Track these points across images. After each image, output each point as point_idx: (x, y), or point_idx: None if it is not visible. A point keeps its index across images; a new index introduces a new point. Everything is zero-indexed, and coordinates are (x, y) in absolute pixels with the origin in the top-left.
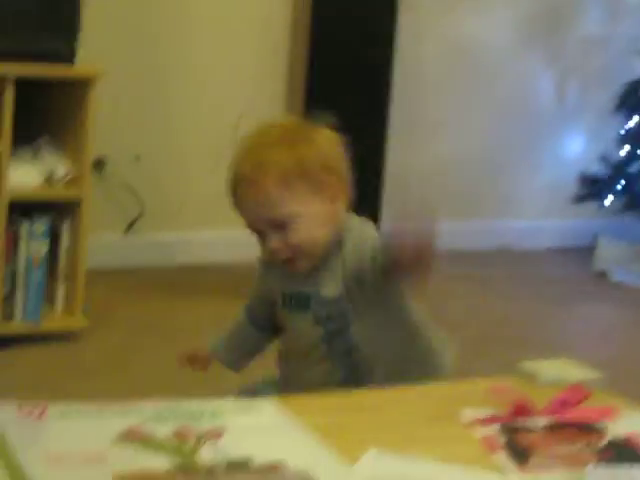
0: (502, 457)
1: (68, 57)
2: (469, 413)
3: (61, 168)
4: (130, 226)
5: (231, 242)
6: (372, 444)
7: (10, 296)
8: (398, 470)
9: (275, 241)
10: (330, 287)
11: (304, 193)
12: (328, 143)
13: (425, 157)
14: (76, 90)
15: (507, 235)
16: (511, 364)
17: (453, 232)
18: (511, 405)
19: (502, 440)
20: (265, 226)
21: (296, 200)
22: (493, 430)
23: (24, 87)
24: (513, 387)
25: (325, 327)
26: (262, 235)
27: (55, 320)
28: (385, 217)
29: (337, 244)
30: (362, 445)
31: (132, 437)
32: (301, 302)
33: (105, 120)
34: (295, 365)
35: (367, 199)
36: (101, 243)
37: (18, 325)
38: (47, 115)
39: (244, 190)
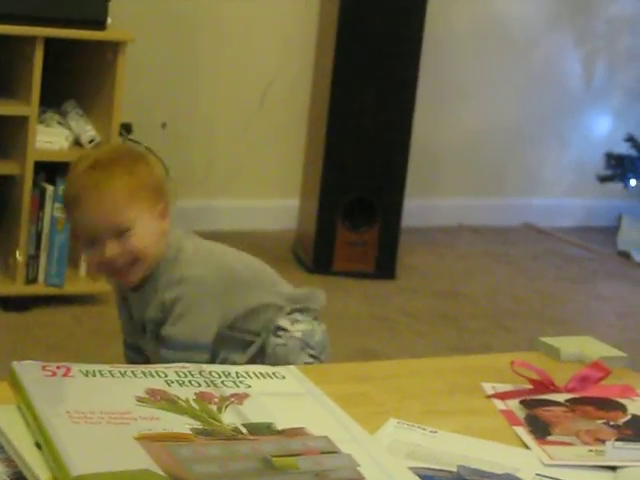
0: (522, 431)
1: (99, 23)
2: (490, 386)
3: (88, 132)
4: None
5: (256, 210)
6: (392, 414)
7: (34, 258)
8: (417, 440)
9: (113, 247)
10: (151, 309)
11: (143, 206)
12: (157, 168)
13: (452, 131)
14: (105, 55)
15: (531, 212)
16: (532, 340)
17: (478, 208)
18: (532, 380)
19: (523, 414)
20: (104, 233)
21: (137, 210)
22: (514, 404)
23: (53, 51)
24: (535, 362)
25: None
26: (98, 244)
27: (78, 283)
28: (410, 191)
29: (158, 271)
30: (382, 415)
31: (155, 399)
32: (145, 325)
33: (132, 86)
34: None
35: (392, 172)
36: None
37: (41, 287)
38: (75, 79)
39: (91, 197)
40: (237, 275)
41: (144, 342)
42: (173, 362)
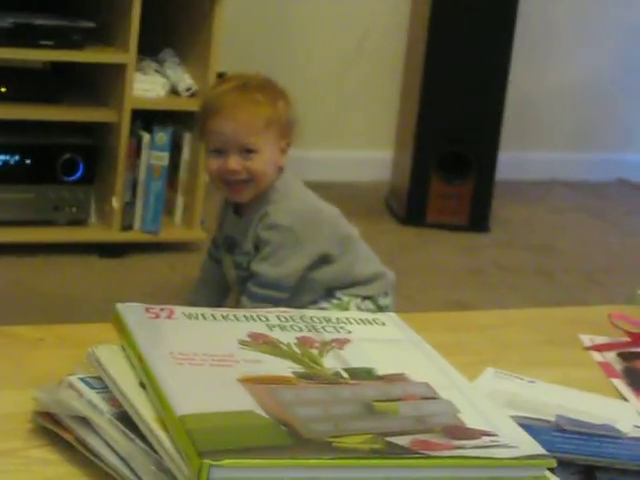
0: (620, 383)
1: None
2: (587, 338)
3: (185, 81)
4: None
5: (349, 161)
6: (490, 364)
7: (131, 205)
8: (516, 389)
9: (237, 161)
10: (247, 241)
11: (273, 137)
12: (293, 108)
13: (547, 84)
14: (202, 4)
15: (626, 168)
16: (625, 296)
17: (571, 162)
18: (630, 332)
19: (620, 366)
20: (234, 146)
21: (267, 138)
22: (611, 356)
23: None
24: (633, 315)
25: (237, 272)
26: (224, 155)
27: (173, 231)
28: (504, 143)
29: (264, 199)
30: (480, 364)
31: (257, 342)
32: (230, 245)
33: (229, 35)
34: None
35: (487, 124)
36: None
37: (137, 234)
38: (172, 28)
39: (234, 112)
40: (323, 225)
41: (226, 260)
42: (258, 298)
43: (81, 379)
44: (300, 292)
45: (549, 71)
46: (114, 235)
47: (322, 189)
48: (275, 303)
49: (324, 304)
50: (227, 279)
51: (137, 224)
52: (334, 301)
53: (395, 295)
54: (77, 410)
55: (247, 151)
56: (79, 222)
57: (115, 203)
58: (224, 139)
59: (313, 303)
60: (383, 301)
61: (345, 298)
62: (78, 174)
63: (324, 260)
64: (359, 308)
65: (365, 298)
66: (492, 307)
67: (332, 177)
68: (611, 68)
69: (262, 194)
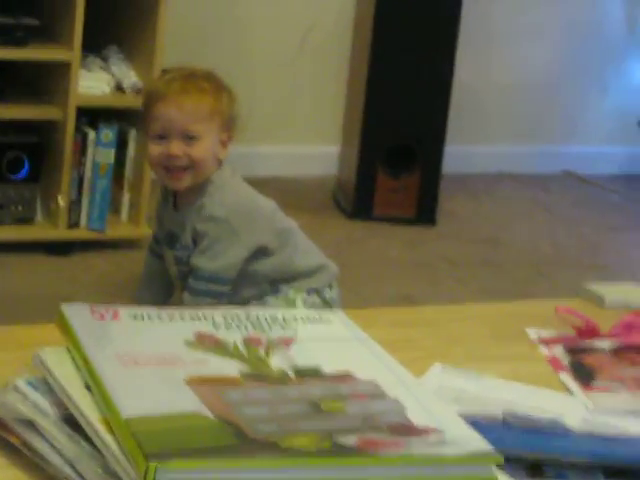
0: (567, 377)
1: None
2: (535, 332)
3: (130, 77)
4: None
5: (296, 156)
6: (437, 359)
7: (76, 203)
8: (463, 385)
9: (178, 146)
10: (186, 235)
11: (215, 127)
12: (236, 104)
13: (492, 78)
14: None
15: (572, 160)
16: (571, 288)
17: (518, 155)
18: (577, 327)
19: (567, 360)
20: (176, 132)
21: (209, 126)
22: (558, 350)
23: None
24: (579, 309)
25: (178, 267)
26: (166, 141)
27: (120, 229)
28: (450, 137)
29: (200, 191)
30: (428, 360)
31: (203, 342)
32: (171, 241)
33: (173, 31)
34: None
35: (433, 118)
36: None
37: (83, 232)
38: (117, 24)
39: (178, 98)
40: (259, 218)
41: (167, 256)
42: (198, 292)
43: (26, 382)
44: (241, 285)
45: (493, 65)
46: (60, 233)
47: (269, 184)
48: (216, 297)
49: (270, 299)
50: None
51: (83, 222)
52: (280, 295)
53: (340, 288)
54: (22, 413)
55: (189, 137)
56: (25, 220)
57: (61, 201)
58: (167, 125)
59: (258, 298)
60: (329, 294)
61: (291, 293)
62: (23, 172)
63: (262, 252)
64: (305, 302)
65: (311, 292)
66: (440, 300)
67: (279, 172)
68: (554, 62)
69: (198, 186)
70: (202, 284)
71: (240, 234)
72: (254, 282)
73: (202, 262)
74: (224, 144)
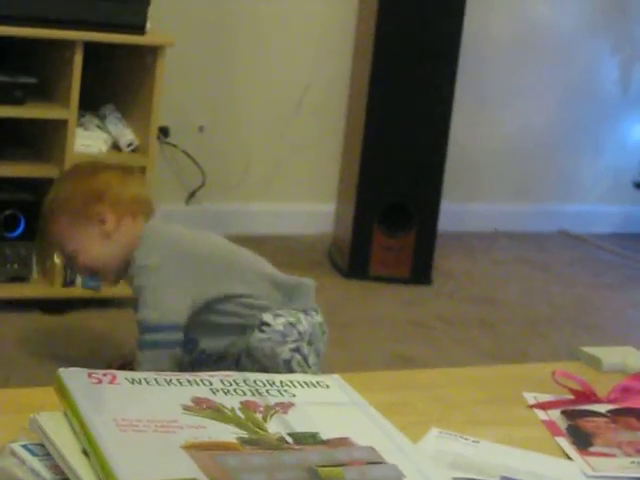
0: (564, 442)
1: (138, 27)
2: (532, 396)
3: (126, 136)
4: (191, 196)
5: (291, 214)
6: (434, 423)
7: None
8: (460, 450)
9: (72, 265)
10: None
11: (81, 233)
12: (94, 178)
13: (488, 136)
14: (144, 59)
15: (567, 219)
16: (567, 348)
17: (513, 214)
18: (574, 390)
19: (564, 425)
20: (62, 255)
21: (76, 240)
22: (556, 414)
23: (92, 55)
24: (576, 372)
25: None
26: None
27: (115, 287)
28: (446, 196)
29: (131, 254)
30: (424, 424)
31: (201, 407)
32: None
33: (170, 90)
34: None
35: (429, 177)
36: (162, 213)
37: (79, 290)
38: (114, 83)
39: (45, 229)
40: (197, 260)
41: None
42: (147, 345)
43: (23, 446)
44: (216, 333)
45: (490, 124)
46: (56, 291)
47: (265, 242)
48: (167, 347)
49: (261, 335)
50: None
51: (79, 280)
52: (280, 319)
53: (336, 348)
54: (19, 478)
55: (69, 257)
56: (21, 278)
57: (57, 259)
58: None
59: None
60: (317, 318)
61: (291, 313)
62: (19, 230)
63: (223, 299)
64: (301, 322)
65: (308, 311)
66: (435, 360)
67: (275, 230)
68: (549, 122)
69: (131, 258)
70: (147, 335)
71: (179, 278)
72: (229, 327)
73: (144, 314)
74: (102, 219)
